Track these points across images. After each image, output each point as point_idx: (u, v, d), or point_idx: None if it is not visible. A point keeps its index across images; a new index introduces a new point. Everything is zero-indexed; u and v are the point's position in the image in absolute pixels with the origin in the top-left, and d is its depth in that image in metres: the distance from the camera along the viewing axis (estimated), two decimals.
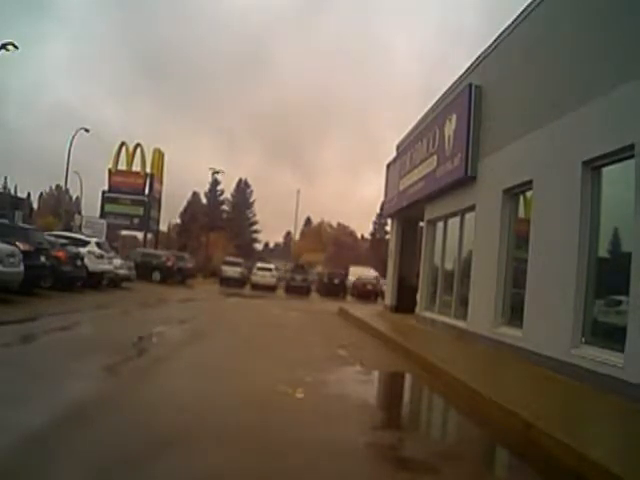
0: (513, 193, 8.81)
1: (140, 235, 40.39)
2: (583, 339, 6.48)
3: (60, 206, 43.26)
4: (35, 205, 59.22)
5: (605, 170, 6.61)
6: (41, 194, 69.33)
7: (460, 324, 10.36)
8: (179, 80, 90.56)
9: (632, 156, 5.84)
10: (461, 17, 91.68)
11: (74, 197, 52.65)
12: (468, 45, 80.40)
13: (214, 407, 4.43)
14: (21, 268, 10.62)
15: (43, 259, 12.48)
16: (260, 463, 3.21)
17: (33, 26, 74.44)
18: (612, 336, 6.01)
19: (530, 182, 8.01)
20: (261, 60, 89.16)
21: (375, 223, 64.86)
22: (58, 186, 61.50)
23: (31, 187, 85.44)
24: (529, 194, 8.30)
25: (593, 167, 6.65)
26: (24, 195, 53.47)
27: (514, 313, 8.44)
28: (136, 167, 36.39)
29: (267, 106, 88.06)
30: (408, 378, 7.32)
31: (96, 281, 15.95)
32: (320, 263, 54.03)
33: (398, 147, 17.27)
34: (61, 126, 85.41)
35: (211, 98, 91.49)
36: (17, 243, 11.35)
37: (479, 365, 7.80)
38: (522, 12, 8.70)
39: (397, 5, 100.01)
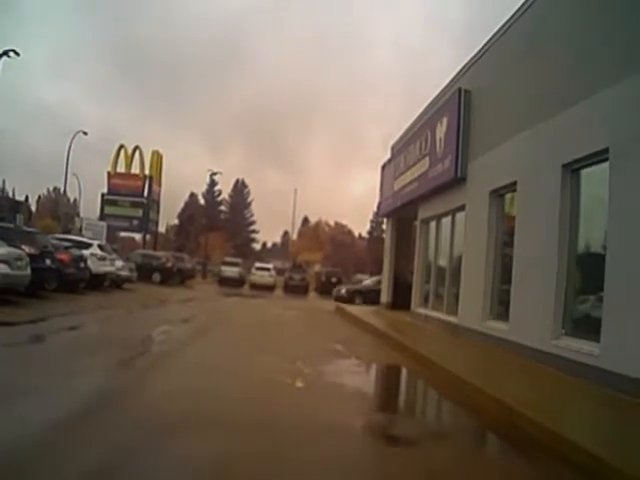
0: (499, 194, 9.25)
1: (137, 236, 40.80)
2: (563, 331, 6.94)
3: (58, 208, 43.55)
4: (33, 208, 59.36)
5: (584, 172, 7.05)
6: (39, 197, 69.44)
7: (452, 319, 10.80)
8: (166, 80, 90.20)
9: (607, 159, 6.29)
10: (446, 7, 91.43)
11: (72, 199, 52.88)
12: (455, 35, 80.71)
13: (221, 395, 4.83)
14: (28, 271, 11.00)
15: (48, 262, 12.83)
16: (265, 440, 3.62)
17: (17, 28, 74.08)
18: (589, 328, 6.44)
19: (515, 183, 8.46)
20: (247, 58, 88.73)
21: (372, 222, 65.22)
22: (56, 188, 61.77)
23: (27, 190, 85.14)
24: (514, 195, 8.74)
25: (572, 169, 7.10)
26: (22, 198, 53.63)
27: (502, 308, 8.89)
28: (135, 169, 36.81)
29: (258, 106, 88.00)
30: (400, 369, 7.74)
31: (99, 283, 16.34)
32: (318, 262, 54.42)
33: (393, 148, 17.71)
34: (50, 128, 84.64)
35: (200, 99, 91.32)
36: (23, 247, 11.73)
37: (468, 357, 8.23)
38: (508, 20, 9.14)
39: None
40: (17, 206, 35.02)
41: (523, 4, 8.52)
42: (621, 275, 5.76)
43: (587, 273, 6.91)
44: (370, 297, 21.66)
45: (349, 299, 22.93)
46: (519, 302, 8.04)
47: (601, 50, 6.48)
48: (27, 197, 57.42)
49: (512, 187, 8.63)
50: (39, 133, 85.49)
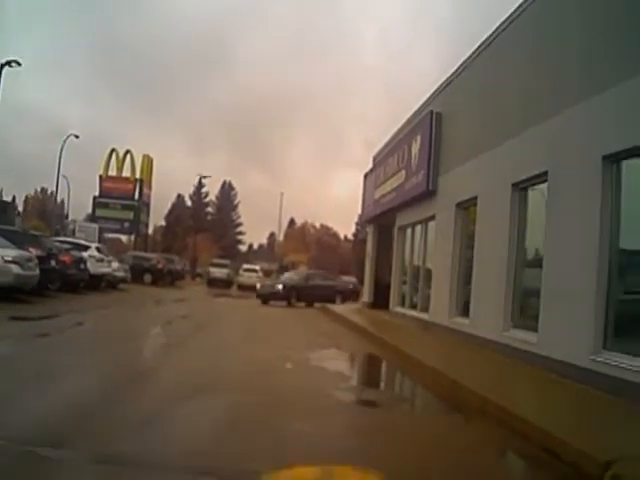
0: (464, 206, 10.57)
1: (124, 237, 41.56)
2: (512, 324, 8.24)
3: (47, 209, 44.01)
4: (20, 208, 59.37)
5: (530, 190, 8.36)
6: (26, 197, 69.36)
7: (424, 316, 12.10)
8: (151, 81, 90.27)
9: (546, 180, 7.59)
10: (431, 7, 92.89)
11: (59, 200, 53.14)
12: (439, 36, 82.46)
13: (225, 374, 5.98)
14: (37, 272, 11.97)
15: (53, 263, 13.79)
16: (264, 402, 4.78)
17: (3, 30, 73.85)
18: (531, 321, 7.72)
19: (475, 198, 9.77)
20: (231, 59, 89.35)
21: (357, 224, 66.51)
22: (43, 189, 61.98)
23: (12, 190, 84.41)
24: (475, 208, 10.05)
25: (520, 188, 8.41)
26: (8, 198, 53.67)
27: (465, 305, 10.18)
28: (126, 172, 37.69)
29: (242, 107, 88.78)
30: (374, 356, 8.99)
31: (97, 283, 17.30)
32: (304, 264, 55.60)
33: (374, 159, 19.01)
34: (34, 128, 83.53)
35: (185, 100, 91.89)
36: (30, 249, 12.68)
37: (434, 347, 9.49)
38: (471, 55, 10.46)
39: None
40: (5, 206, 35.46)
41: (482, 44, 9.86)
42: (552, 277, 7.06)
43: (531, 275, 8.22)
44: (303, 294, 19.66)
45: (285, 297, 19.61)
46: (477, 300, 9.34)
47: (540, 88, 7.78)
48: (14, 197, 57.52)
49: (474, 201, 9.93)
50: (23, 133, 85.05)
